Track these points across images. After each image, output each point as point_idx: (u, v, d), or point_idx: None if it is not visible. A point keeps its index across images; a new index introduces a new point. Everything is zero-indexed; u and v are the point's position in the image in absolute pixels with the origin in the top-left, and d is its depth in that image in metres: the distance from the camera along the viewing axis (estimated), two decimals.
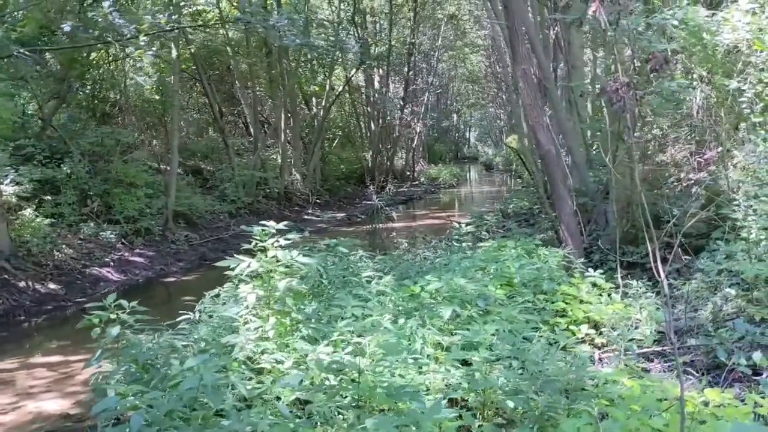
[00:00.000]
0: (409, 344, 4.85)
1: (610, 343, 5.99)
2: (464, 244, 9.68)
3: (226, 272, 5.26)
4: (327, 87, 24.10)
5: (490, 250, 8.24)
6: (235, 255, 4.80)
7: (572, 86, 8.33)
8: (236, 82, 21.27)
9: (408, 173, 34.22)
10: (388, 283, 6.22)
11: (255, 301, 4.65)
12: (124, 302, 4.64)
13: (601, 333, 6.13)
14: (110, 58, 16.58)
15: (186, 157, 21.28)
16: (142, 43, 9.81)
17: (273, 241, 4.80)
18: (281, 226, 4.95)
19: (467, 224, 14.37)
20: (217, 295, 5.91)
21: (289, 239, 4.87)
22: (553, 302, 6.42)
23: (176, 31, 11.83)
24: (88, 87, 16.75)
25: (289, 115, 22.95)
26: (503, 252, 7.97)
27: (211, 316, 4.95)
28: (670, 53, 8.75)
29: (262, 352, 4.44)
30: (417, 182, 33.42)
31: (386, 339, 4.64)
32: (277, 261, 4.69)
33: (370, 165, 29.21)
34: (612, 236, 8.83)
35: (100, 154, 15.22)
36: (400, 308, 5.88)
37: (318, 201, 23.08)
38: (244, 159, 21.88)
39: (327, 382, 4.05)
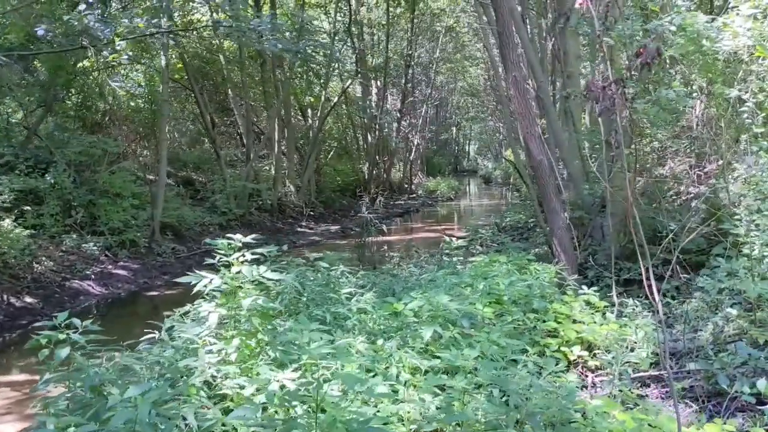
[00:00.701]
0: (386, 368, 4.50)
1: (603, 366, 5.61)
2: (455, 259, 9.32)
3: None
4: (322, 98, 23.81)
5: (481, 265, 7.88)
6: (195, 271, 4.45)
7: (567, 94, 8.00)
8: (229, 91, 20.98)
9: (406, 186, 33.91)
10: (369, 300, 5.87)
11: (218, 320, 4.29)
12: (76, 321, 4.30)
13: (594, 355, 5.76)
14: (100, 66, 16.27)
15: (178, 168, 20.98)
16: (119, 47, 9.49)
17: (238, 255, 4.44)
18: (249, 239, 4.60)
19: (460, 238, 14.04)
20: (186, 312, 5.55)
21: (257, 254, 4.51)
22: (543, 321, 6.05)
23: (157, 36, 11.52)
24: (75, 96, 16.40)
25: (283, 125, 22.64)
26: (493, 267, 7.62)
27: (179, 337, 4.57)
28: (668, 61, 8.45)
29: (224, 377, 4.08)
30: (414, 195, 33.10)
31: (358, 364, 4.29)
32: (244, 277, 4.33)
33: (366, 177, 28.91)
34: (609, 251, 8.48)
35: (86, 164, 14.90)
36: (381, 326, 5.54)
37: (312, 213, 22.73)
38: (237, 170, 21.57)
39: (292, 412, 3.70)
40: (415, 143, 35.40)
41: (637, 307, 6.47)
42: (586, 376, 5.65)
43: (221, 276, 4.32)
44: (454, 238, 9.84)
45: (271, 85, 21.87)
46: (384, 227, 11.52)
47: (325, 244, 18.86)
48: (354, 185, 28.18)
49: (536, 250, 11.79)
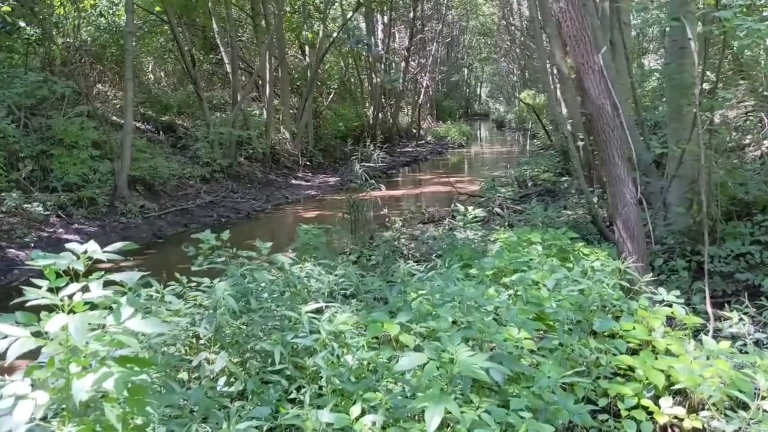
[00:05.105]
0: None
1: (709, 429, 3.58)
2: (470, 234, 7.25)
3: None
4: (321, 33, 21.30)
5: (507, 247, 5.82)
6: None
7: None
8: (214, 25, 18.56)
9: (414, 131, 31.54)
10: (348, 322, 3.83)
11: (41, 410, 2.25)
12: None
13: (694, 411, 3.71)
14: None
15: (158, 111, 18.78)
16: None
17: (77, 289, 2.35)
18: (113, 250, 2.49)
19: (473, 195, 11.94)
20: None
21: (110, 286, 2.43)
22: (609, 353, 3.99)
23: None
24: (28, 28, 14.09)
25: (277, 64, 20.25)
26: (525, 252, 5.56)
27: None
28: None
29: None
30: (423, 141, 30.78)
31: None
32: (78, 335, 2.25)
33: (371, 122, 26.60)
34: (680, 227, 6.38)
35: (40, 109, 12.78)
36: (363, 363, 3.55)
37: (309, 163, 20.58)
38: (226, 114, 19.33)
39: None
40: (425, 85, 32.88)
41: (744, 323, 4.38)
42: None
43: (37, 333, 2.26)
44: (470, 208, 7.71)
45: (261, 18, 19.43)
46: (383, 186, 9.37)
47: (322, 200, 16.81)
48: (357, 131, 25.85)
49: (567, 213, 9.71)
